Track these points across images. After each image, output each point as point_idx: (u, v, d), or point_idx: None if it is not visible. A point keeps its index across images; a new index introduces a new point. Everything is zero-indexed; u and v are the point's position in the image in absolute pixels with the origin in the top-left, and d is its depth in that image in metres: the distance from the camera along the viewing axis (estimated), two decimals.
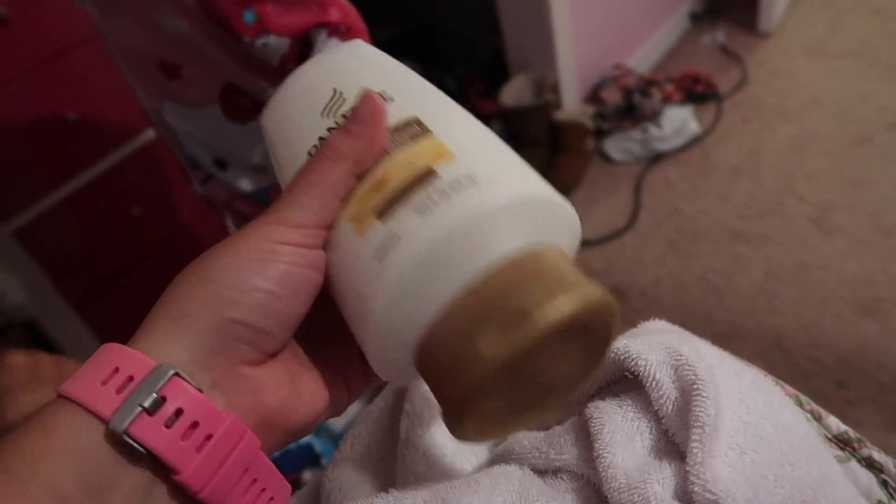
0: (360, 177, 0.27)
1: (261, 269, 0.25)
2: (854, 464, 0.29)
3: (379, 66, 0.33)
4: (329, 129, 0.30)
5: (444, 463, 0.33)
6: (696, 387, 0.24)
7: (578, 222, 0.28)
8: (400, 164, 0.26)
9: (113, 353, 0.24)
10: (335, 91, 0.31)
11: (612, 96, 2.33)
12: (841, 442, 0.30)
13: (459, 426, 0.24)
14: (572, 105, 2.36)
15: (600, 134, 2.34)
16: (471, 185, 0.24)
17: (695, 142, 2.23)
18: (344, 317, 0.28)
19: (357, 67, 0.33)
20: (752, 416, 0.25)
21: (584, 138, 2.23)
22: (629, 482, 0.24)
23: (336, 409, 0.30)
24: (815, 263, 1.71)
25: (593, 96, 2.41)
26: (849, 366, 1.46)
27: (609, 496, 0.24)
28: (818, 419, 0.31)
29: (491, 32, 2.35)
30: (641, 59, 2.59)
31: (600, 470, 0.25)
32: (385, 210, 0.25)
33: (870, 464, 0.29)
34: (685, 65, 2.56)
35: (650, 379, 0.26)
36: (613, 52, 2.48)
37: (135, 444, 0.22)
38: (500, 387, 0.23)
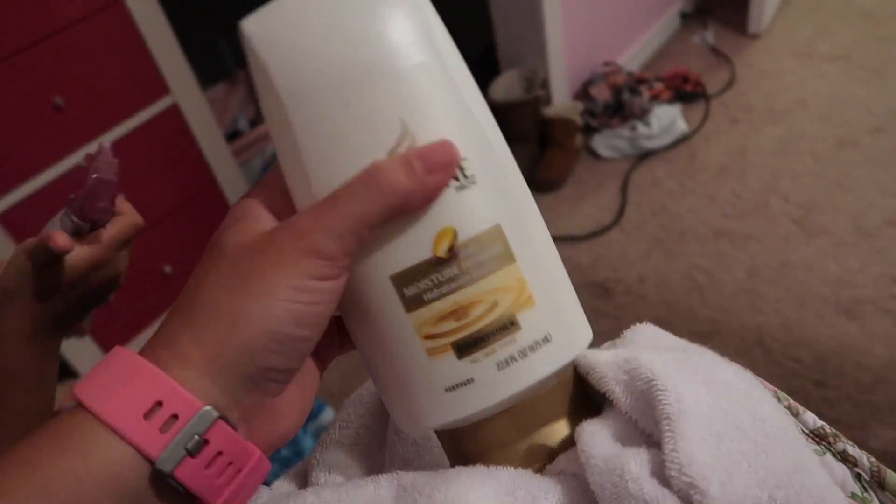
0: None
1: (298, 318, 0.25)
2: (829, 457, 0.30)
3: (458, 110, 0.27)
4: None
5: (433, 451, 0.34)
6: (653, 383, 0.26)
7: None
8: (483, 295, 0.27)
9: (149, 379, 0.24)
10: (404, 128, 0.26)
11: (602, 93, 2.34)
12: (817, 437, 0.31)
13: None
14: (562, 101, 2.37)
15: (589, 130, 2.35)
16: (545, 344, 0.28)
17: (682, 140, 2.25)
18: (368, 369, 0.30)
19: (435, 98, 0.27)
20: (731, 406, 0.25)
21: (573, 134, 2.24)
22: (608, 467, 0.25)
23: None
24: (798, 263, 1.73)
25: (583, 93, 2.42)
26: (828, 365, 1.48)
27: (591, 481, 0.25)
28: (795, 415, 0.32)
29: (482, 27, 2.35)
30: (632, 57, 2.61)
31: (583, 461, 0.26)
32: (464, 351, 0.27)
33: (844, 458, 0.30)
34: (675, 64, 2.58)
35: (609, 392, 0.28)
36: (604, 49, 2.49)
37: (177, 485, 0.23)
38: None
